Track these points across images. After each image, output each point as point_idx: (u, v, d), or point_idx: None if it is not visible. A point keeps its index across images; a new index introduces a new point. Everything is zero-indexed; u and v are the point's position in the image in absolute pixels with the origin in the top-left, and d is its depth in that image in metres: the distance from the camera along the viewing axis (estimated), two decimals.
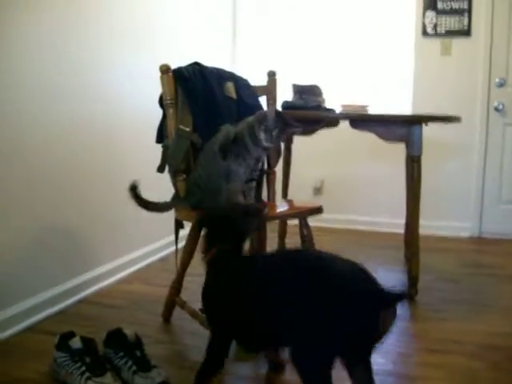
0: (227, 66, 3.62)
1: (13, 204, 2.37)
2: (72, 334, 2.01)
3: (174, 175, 2.34)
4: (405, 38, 4.59)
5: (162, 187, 2.45)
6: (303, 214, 2.31)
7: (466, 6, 4.39)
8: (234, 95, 2.52)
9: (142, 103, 3.27)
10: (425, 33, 4.50)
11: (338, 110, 3.22)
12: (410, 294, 1.54)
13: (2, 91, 2.31)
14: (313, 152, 4.74)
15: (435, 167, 4.51)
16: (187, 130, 2.31)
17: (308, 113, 3.14)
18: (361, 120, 2.98)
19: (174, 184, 2.35)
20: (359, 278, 1.52)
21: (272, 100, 2.67)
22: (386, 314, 1.48)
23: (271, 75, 2.66)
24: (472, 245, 4.34)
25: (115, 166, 3.11)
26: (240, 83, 2.58)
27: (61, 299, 2.67)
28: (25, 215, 2.44)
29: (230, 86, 2.51)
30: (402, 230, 3.92)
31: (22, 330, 2.39)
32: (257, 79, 2.76)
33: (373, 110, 3.30)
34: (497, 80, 4.40)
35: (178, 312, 2.53)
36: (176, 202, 2.33)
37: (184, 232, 2.54)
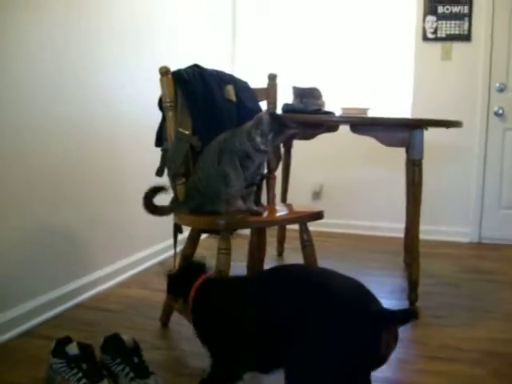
0: (227, 68, 3.61)
1: (11, 205, 2.34)
2: (68, 340, 1.98)
3: (173, 179, 2.31)
4: (405, 42, 4.58)
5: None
6: (303, 218, 2.28)
7: (466, 11, 4.39)
8: (233, 98, 2.50)
9: (142, 105, 3.26)
10: (425, 37, 4.50)
11: (338, 113, 3.20)
12: (414, 312, 1.46)
13: (2, 92, 2.28)
14: (312, 156, 4.73)
15: (435, 172, 4.50)
16: (187, 132, 2.28)
17: (308, 117, 3.12)
18: (361, 124, 2.96)
19: (173, 188, 2.33)
20: (358, 297, 1.47)
21: (272, 103, 2.65)
22: (387, 336, 1.42)
23: (272, 78, 2.64)
24: (472, 250, 4.32)
25: (114, 169, 3.10)
26: (240, 86, 2.56)
27: (58, 303, 2.64)
28: (23, 217, 2.41)
29: (229, 89, 2.49)
30: (401, 235, 3.90)
31: (18, 334, 2.36)
32: (256, 81, 2.74)
33: (373, 114, 3.28)
34: (497, 85, 4.39)
35: (176, 317, 2.50)
36: (175, 206, 2.31)
37: (183, 236, 2.52)
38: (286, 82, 3.38)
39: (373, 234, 4.71)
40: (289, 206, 2.55)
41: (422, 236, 2.96)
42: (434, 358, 2.26)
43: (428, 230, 4.18)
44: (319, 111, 3.21)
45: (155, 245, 3.58)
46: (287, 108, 3.25)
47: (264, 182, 2.60)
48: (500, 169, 4.48)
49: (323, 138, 3.55)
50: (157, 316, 2.57)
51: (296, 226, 2.35)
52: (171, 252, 2.91)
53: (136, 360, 1.92)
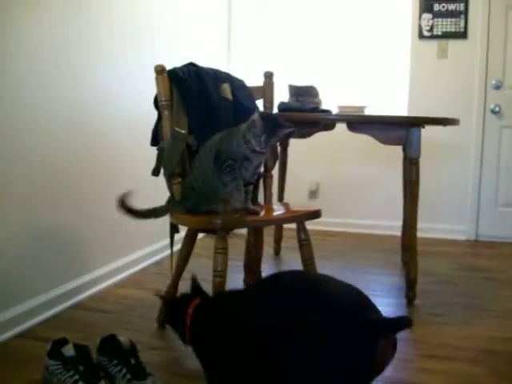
0: (223, 67, 3.59)
1: (10, 203, 2.33)
2: (65, 341, 1.97)
3: (169, 178, 2.29)
4: (401, 40, 4.58)
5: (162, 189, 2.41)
6: (301, 217, 2.27)
7: (462, 8, 4.38)
8: (230, 96, 2.48)
9: (140, 104, 3.24)
10: (421, 35, 4.49)
11: (335, 112, 3.19)
12: (409, 321, 1.44)
13: (2, 91, 2.28)
14: (308, 154, 4.72)
15: (431, 170, 4.50)
16: (183, 131, 2.27)
17: (305, 115, 3.11)
18: (358, 122, 2.95)
19: (170, 187, 2.31)
20: (355, 304, 1.45)
21: (269, 102, 2.64)
22: (384, 344, 1.40)
23: (268, 77, 2.62)
24: (468, 248, 4.32)
25: (112, 168, 3.09)
26: (236, 84, 2.54)
27: (55, 303, 2.63)
28: (22, 215, 2.40)
29: (226, 87, 2.47)
30: (399, 233, 3.90)
31: (13, 336, 2.34)
32: (253, 80, 2.72)
33: (369, 112, 3.27)
34: (493, 82, 4.38)
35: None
36: (171, 206, 2.29)
37: (179, 236, 2.51)
38: (283, 80, 3.37)
39: (370, 232, 4.70)
40: (286, 205, 2.54)
41: (419, 234, 2.96)
42: (432, 357, 2.25)
43: (425, 228, 4.18)
44: (316, 109, 3.20)
45: (153, 244, 3.56)
46: (283, 106, 3.24)
47: (261, 180, 2.58)
48: (497, 166, 4.48)
49: (320, 137, 3.53)
50: (154, 317, 2.56)
51: (293, 225, 2.33)
52: (168, 252, 2.90)
53: (133, 361, 1.91)
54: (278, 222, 3.14)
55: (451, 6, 4.40)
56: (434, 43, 4.49)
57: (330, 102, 3.72)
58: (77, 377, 1.81)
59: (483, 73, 4.39)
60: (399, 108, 4.55)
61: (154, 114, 2.40)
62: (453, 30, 4.42)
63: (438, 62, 4.51)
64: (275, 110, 2.94)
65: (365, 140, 3.25)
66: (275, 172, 2.79)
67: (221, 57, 4.77)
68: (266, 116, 2.11)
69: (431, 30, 4.46)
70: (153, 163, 2.34)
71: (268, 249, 3.75)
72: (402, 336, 2.44)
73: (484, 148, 4.48)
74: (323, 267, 2.78)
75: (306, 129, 3.14)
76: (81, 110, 2.80)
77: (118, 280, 3.17)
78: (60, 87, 2.63)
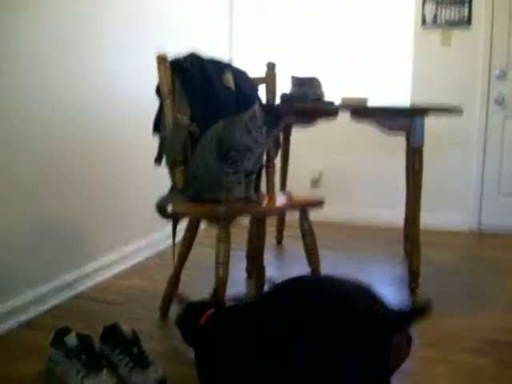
0: (225, 58, 3.57)
1: (13, 192, 2.33)
2: (67, 330, 1.96)
3: (171, 167, 2.29)
4: (404, 28, 4.54)
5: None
6: (304, 207, 2.26)
7: None
8: (232, 85, 2.47)
9: (145, 92, 3.23)
10: (424, 23, 4.45)
11: (338, 103, 3.17)
12: (427, 308, 1.39)
13: (8, 80, 2.28)
14: (310, 144, 4.70)
15: (433, 159, 4.47)
16: (185, 120, 2.26)
17: (307, 105, 3.10)
18: (362, 112, 2.93)
19: (172, 176, 2.30)
20: (364, 301, 1.41)
21: (271, 93, 2.62)
22: (399, 339, 1.36)
23: (270, 67, 2.61)
24: (471, 238, 4.31)
25: (117, 157, 3.09)
26: (238, 74, 2.53)
27: (56, 294, 2.62)
28: (24, 204, 2.39)
29: (228, 77, 2.46)
30: (401, 223, 3.88)
31: (16, 326, 2.34)
32: (255, 71, 2.70)
33: (372, 103, 3.25)
34: (497, 72, 4.35)
35: (175, 307, 2.49)
36: (174, 195, 2.28)
37: (182, 225, 2.50)
38: (285, 71, 3.34)
39: (373, 222, 4.69)
40: (288, 194, 2.53)
41: (421, 224, 2.94)
42: (435, 347, 2.24)
43: (428, 218, 4.16)
44: (318, 101, 3.18)
45: (155, 234, 3.56)
46: (286, 97, 3.22)
47: (263, 170, 2.57)
48: (500, 156, 4.45)
49: (322, 126, 3.52)
50: (156, 306, 2.55)
51: (295, 214, 2.33)
52: (170, 241, 2.88)
53: (135, 350, 1.91)
54: (281, 211, 3.13)
55: None
56: (437, 31, 4.45)
57: (334, 92, 3.69)
58: (80, 366, 1.81)
59: (487, 62, 4.36)
60: (402, 96, 4.52)
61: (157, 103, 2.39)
62: (457, 18, 4.38)
63: (442, 50, 4.47)
64: (278, 101, 2.92)
65: (367, 129, 3.24)
66: (277, 161, 2.78)
67: (223, 48, 4.74)
68: (267, 107, 2.10)
69: (435, 18, 4.42)
70: (155, 153, 2.34)
71: (270, 238, 3.74)
72: None
73: (487, 137, 4.46)
74: (326, 256, 2.77)
75: (308, 119, 3.13)
76: (87, 100, 2.80)
77: (121, 270, 3.16)
78: (66, 77, 2.63)
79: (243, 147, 2.08)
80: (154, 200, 2.31)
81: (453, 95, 4.39)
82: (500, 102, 4.37)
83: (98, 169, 2.95)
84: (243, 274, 3.08)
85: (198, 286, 2.90)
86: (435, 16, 4.41)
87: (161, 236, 3.59)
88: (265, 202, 2.25)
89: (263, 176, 2.57)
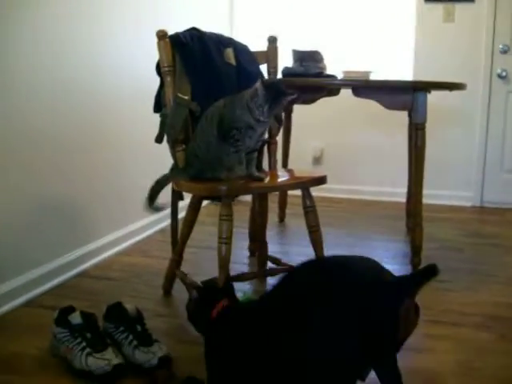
0: (225, 32, 3.53)
1: (13, 173, 2.31)
2: (71, 309, 1.97)
3: (172, 145, 2.27)
4: (407, 3, 4.49)
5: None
6: (307, 184, 2.25)
7: None
8: (233, 61, 2.43)
9: (148, 70, 3.21)
10: None
11: (340, 77, 3.14)
12: (432, 269, 1.37)
13: (12, 59, 2.26)
14: (312, 121, 4.68)
15: (436, 135, 4.46)
16: (186, 98, 2.23)
17: (309, 80, 3.07)
18: (364, 87, 2.91)
19: (173, 154, 2.29)
20: (371, 271, 1.41)
21: (273, 67, 2.59)
22: (409, 304, 1.35)
23: (272, 41, 2.57)
24: (474, 214, 4.31)
25: (116, 137, 3.06)
26: (239, 49, 2.49)
27: (60, 272, 2.63)
28: (25, 183, 2.39)
29: (229, 52, 2.43)
30: (403, 199, 3.88)
31: (20, 305, 2.35)
32: (256, 45, 2.67)
33: (374, 77, 3.23)
34: (500, 46, 4.32)
35: (178, 285, 2.50)
36: (175, 174, 2.27)
37: (183, 203, 2.50)
38: (286, 45, 3.31)
39: (375, 198, 4.69)
40: (290, 172, 2.52)
41: (424, 200, 2.94)
42: (437, 323, 2.25)
43: (430, 194, 4.17)
44: (320, 75, 3.16)
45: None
46: (287, 71, 3.20)
47: (265, 147, 2.56)
48: (503, 132, 4.43)
49: (324, 102, 3.49)
50: (159, 284, 2.56)
51: (297, 192, 2.32)
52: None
53: (139, 328, 1.91)
54: (283, 189, 3.12)
55: None
56: (440, 6, 4.41)
57: (335, 67, 3.66)
58: (84, 344, 1.82)
59: (490, 37, 4.32)
60: (405, 73, 4.48)
61: (156, 81, 2.37)
62: None
63: (445, 26, 4.43)
64: (279, 76, 2.90)
65: (370, 105, 3.21)
66: (279, 138, 2.76)
67: (223, 21, 4.69)
68: (269, 84, 2.06)
69: None
70: (156, 132, 2.32)
71: (273, 216, 3.74)
72: None
73: (490, 113, 4.43)
74: (328, 234, 2.78)
75: (310, 94, 3.10)
76: (89, 77, 2.79)
77: (123, 248, 3.17)
78: (69, 53, 2.61)
79: (244, 126, 2.07)
80: (157, 177, 2.30)
81: (456, 71, 4.36)
82: (503, 77, 4.34)
83: (101, 146, 2.93)
84: (246, 252, 3.08)
85: (200, 264, 2.91)
86: None
87: (163, 214, 3.58)
88: (267, 179, 2.24)
89: (265, 153, 2.55)
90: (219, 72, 2.37)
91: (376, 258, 1.49)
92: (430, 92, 2.87)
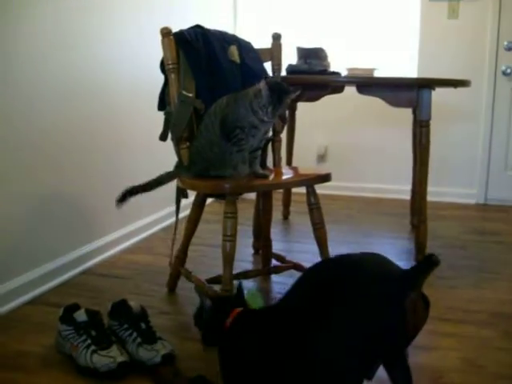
0: (229, 29, 3.53)
1: (17, 169, 2.32)
2: (76, 307, 1.97)
3: (177, 143, 2.27)
4: (411, 0, 4.47)
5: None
6: (311, 181, 2.25)
7: None
8: (237, 59, 2.43)
9: (151, 68, 3.21)
10: None
11: (344, 74, 3.14)
12: (433, 260, 1.33)
13: (13, 54, 2.26)
14: (316, 118, 4.68)
15: (440, 133, 4.45)
16: (190, 95, 2.23)
17: (313, 78, 3.07)
18: (368, 85, 2.90)
19: (177, 152, 2.29)
20: (377, 266, 1.41)
21: (277, 65, 2.59)
22: (414, 297, 1.34)
23: (276, 38, 2.57)
24: (478, 211, 4.30)
25: (120, 133, 3.06)
26: (244, 46, 2.49)
27: (65, 270, 2.63)
28: (28, 181, 2.39)
29: (233, 50, 2.42)
30: (408, 197, 3.88)
31: (25, 302, 2.35)
32: (260, 42, 2.67)
33: (379, 74, 3.22)
34: (505, 43, 4.30)
35: (182, 282, 2.50)
36: (179, 171, 2.27)
37: (187, 201, 2.50)
38: (291, 42, 3.31)
39: (379, 196, 4.68)
40: (294, 169, 2.52)
41: (428, 197, 2.94)
42: (442, 320, 2.25)
43: (434, 192, 4.15)
44: (325, 72, 3.15)
45: (161, 210, 3.56)
46: (291, 69, 3.20)
47: (269, 144, 2.56)
48: (507, 129, 4.42)
49: (328, 100, 3.49)
50: (163, 281, 2.56)
51: (302, 189, 2.32)
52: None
53: (143, 326, 1.91)
54: (288, 186, 3.13)
55: None
56: (444, 3, 4.39)
57: (339, 64, 3.66)
58: (89, 341, 1.82)
59: (495, 34, 4.31)
60: (409, 70, 4.48)
61: (159, 79, 2.37)
62: None
63: (449, 22, 4.41)
64: (283, 73, 2.89)
65: (374, 103, 3.21)
66: (283, 136, 2.76)
67: (227, 19, 4.69)
68: (272, 85, 2.06)
69: None
70: (160, 129, 2.32)
71: (277, 213, 3.74)
72: None
73: (494, 110, 4.42)
74: (332, 231, 2.78)
75: (314, 92, 3.10)
76: (90, 75, 2.78)
77: (128, 246, 3.17)
78: (69, 52, 2.61)
79: (248, 125, 2.06)
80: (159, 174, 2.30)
81: (460, 68, 4.35)
82: (508, 74, 4.32)
83: (105, 146, 2.94)
84: (250, 250, 3.08)
85: (205, 261, 2.91)
86: None
87: (167, 212, 3.59)
88: (271, 177, 2.24)
89: (269, 151, 2.55)
90: (223, 69, 2.37)
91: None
92: (434, 89, 2.86)
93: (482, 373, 1.84)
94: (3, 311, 2.24)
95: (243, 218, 2.69)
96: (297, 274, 2.39)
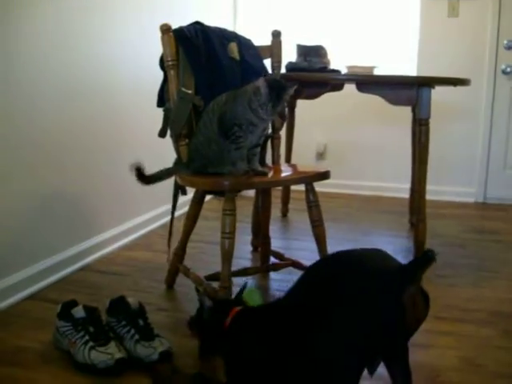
0: (229, 26, 3.52)
1: (16, 167, 2.31)
2: (74, 303, 1.97)
3: (176, 140, 2.27)
4: None
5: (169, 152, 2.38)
6: (310, 178, 2.24)
7: None
8: (237, 56, 2.43)
9: (151, 65, 3.20)
10: None
11: (344, 72, 3.14)
12: (431, 255, 1.33)
13: (14, 54, 2.26)
14: (315, 116, 4.67)
15: (440, 131, 4.44)
16: (189, 92, 2.23)
17: (313, 75, 3.06)
18: (368, 83, 2.90)
19: (176, 149, 2.29)
20: (375, 262, 1.41)
21: (276, 62, 2.59)
22: (413, 291, 1.34)
23: (276, 35, 2.56)
24: (477, 210, 4.30)
25: (119, 131, 3.05)
26: (243, 43, 2.49)
27: (63, 266, 2.63)
28: (28, 178, 2.39)
29: (233, 47, 2.42)
30: (407, 195, 3.87)
31: (23, 298, 2.35)
32: (260, 40, 2.67)
33: (378, 72, 3.22)
34: (505, 42, 4.30)
35: (181, 279, 2.50)
36: (178, 168, 2.27)
37: (185, 198, 2.49)
38: (291, 39, 3.30)
39: (378, 194, 4.68)
40: (293, 167, 2.51)
41: (427, 196, 2.94)
42: (440, 318, 2.24)
43: (434, 190, 4.14)
44: (324, 70, 3.15)
45: (160, 207, 3.55)
46: (291, 66, 3.19)
47: (268, 142, 2.55)
48: (507, 128, 4.42)
49: (327, 98, 3.48)
50: (162, 278, 2.56)
51: (300, 187, 2.31)
52: (176, 214, 2.88)
53: (141, 322, 1.91)
54: (287, 183, 3.12)
55: None
56: (444, 1, 4.39)
57: (339, 62, 3.65)
58: (87, 338, 1.82)
59: (495, 32, 4.30)
60: (409, 68, 4.47)
61: (159, 75, 2.36)
62: None
63: (449, 21, 4.41)
64: (283, 70, 2.89)
65: (373, 101, 3.20)
66: (282, 133, 2.75)
67: (227, 16, 4.68)
68: (271, 82, 2.05)
69: None
70: (159, 126, 2.32)
71: (275, 211, 3.74)
72: None
73: (494, 109, 4.41)
74: (331, 229, 2.77)
75: (313, 90, 3.10)
76: (91, 73, 2.78)
77: (126, 242, 3.17)
78: (71, 50, 2.61)
79: (246, 122, 2.06)
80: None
81: (460, 66, 4.34)
82: (507, 73, 4.32)
83: (103, 142, 2.93)
84: (249, 247, 3.08)
85: (203, 258, 2.91)
86: None
87: (165, 209, 3.58)
88: (270, 174, 2.23)
89: (268, 148, 2.55)
90: (223, 66, 2.37)
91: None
92: (434, 87, 2.86)
93: (481, 372, 1.84)
94: (2, 307, 2.24)
95: (242, 215, 2.68)
96: (295, 272, 2.40)
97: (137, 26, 3.19)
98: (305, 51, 3.18)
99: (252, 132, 2.09)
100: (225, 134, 2.09)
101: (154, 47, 2.42)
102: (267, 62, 2.57)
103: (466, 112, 4.48)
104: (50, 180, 2.54)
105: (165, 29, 2.21)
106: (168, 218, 3.49)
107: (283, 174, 2.31)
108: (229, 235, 2.04)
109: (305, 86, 3.05)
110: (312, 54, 3.15)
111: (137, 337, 1.87)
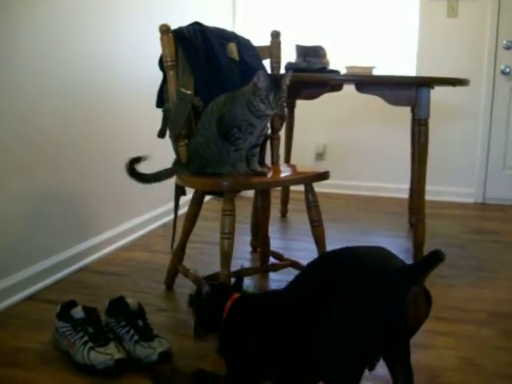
0: (228, 26, 3.52)
1: (13, 168, 2.31)
2: (74, 304, 1.97)
3: (175, 140, 2.27)
4: None
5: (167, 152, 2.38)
6: (309, 179, 2.24)
7: None
8: (236, 56, 2.43)
9: (150, 66, 3.20)
10: None
11: (343, 72, 3.14)
12: (439, 255, 1.31)
13: (11, 53, 2.25)
14: (314, 116, 4.67)
15: (439, 132, 4.44)
16: (188, 92, 2.23)
17: (312, 75, 3.06)
18: (367, 83, 2.90)
19: (176, 149, 2.29)
20: (377, 261, 1.39)
21: (276, 62, 2.58)
22: (416, 291, 1.32)
23: (275, 36, 2.56)
24: (476, 211, 4.30)
25: (117, 131, 3.05)
26: (242, 44, 2.48)
27: (61, 267, 2.63)
28: (25, 179, 2.38)
29: (232, 47, 2.42)
30: (406, 195, 3.87)
31: (22, 299, 2.35)
32: (259, 40, 2.67)
33: (378, 73, 3.22)
34: (504, 42, 4.30)
35: (180, 280, 2.50)
36: (177, 168, 2.27)
37: (186, 198, 2.49)
38: (290, 40, 3.30)
39: (377, 194, 4.68)
40: (293, 167, 2.51)
41: (426, 196, 2.94)
42: (440, 319, 2.24)
43: (433, 191, 4.15)
44: (324, 70, 3.15)
45: (159, 207, 3.56)
46: (290, 67, 3.19)
47: (268, 142, 2.55)
48: (506, 128, 4.42)
49: (327, 98, 3.49)
50: (161, 279, 2.56)
51: (300, 188, 2.31)
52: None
53: (140, 323, 1.91)
54: (286, 184, 3.12)
55: None
56: (443, 2, 4.39)
57: (338, 62, 3.65)
58: (86, 338, 1.82)
59: (494, 32, 4.31)
60: (408, 68, 4.47)
61: (158, 76, 2.36)
62: None
63: (448, 21, 4.41)
64: (282, 71, 2.89)
65: (373, 101, 3.20)
66: (281, 134, 2.75)
67: (226, 15, 4.68)
68: (269, 76, 2.06)
69: None
70: (158, 126, 2.32)
71: (275, 211, 3.74)
72: None
73: (493, 109, 4.42)
74: (330, 229, 2.77)
75: (313, 90, 3.09)
76: (88, 73, 2.77)
77: (125, 243, 3.16)
78: (67, 50, 2.60)
79: (245, 124, 2.06)
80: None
81: (459, 67, 4.34)
82: (507, 74, 4.32)
83: (101, 143, 2.93)
84: (248, 248, 3.08)
85: (203, 259, 2.90)
86: None
87: (164, 209, 3.59)
88: (270, 175, 2.23)
89: (268, 148, 2.55)
90: (222, 67, 2.37)
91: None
92: (433, 88, 2.86)
93: (481, 372, 1.84)
94: (1, 308, 2.24)
95: (241, 216, 2.68)
96: (294, 272, 2.39)
97: (134, 26, 3.19)
98: (304, 51, 3.18)
99: (251, 133, 2.09)
100: (224, 135, 2.09)
101: (152, 47, 2.42)
102: (266, 63, 2.56)
103: (466, 112, 4.48)
104: (47, 181, 2.54)
105: (164, 29, 2.21)
106: (167, 219, 3.51)
107: (282, 175, 2.31)
108: (228, 236, 2.04)
109: (304, 87, 3.06)
110: (311, 55, 3.15)
111: (136, 337, 1.87)
